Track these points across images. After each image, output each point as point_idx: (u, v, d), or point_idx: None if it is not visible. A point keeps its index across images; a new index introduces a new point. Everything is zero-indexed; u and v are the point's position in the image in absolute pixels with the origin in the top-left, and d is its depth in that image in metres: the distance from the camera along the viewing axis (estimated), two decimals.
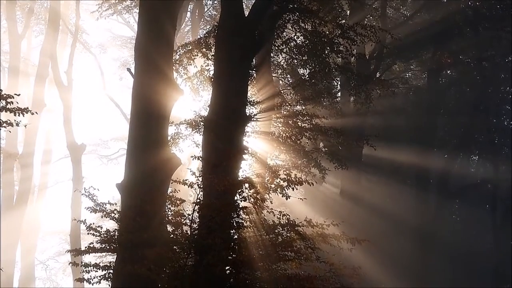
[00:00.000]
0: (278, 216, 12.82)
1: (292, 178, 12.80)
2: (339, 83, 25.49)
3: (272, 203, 12.99)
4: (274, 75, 18.66)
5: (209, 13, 32.69)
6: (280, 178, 13.17)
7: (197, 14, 32.13)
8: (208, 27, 32.00)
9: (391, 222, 26.44)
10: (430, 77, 29.45)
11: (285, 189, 12.88)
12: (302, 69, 17.96)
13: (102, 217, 13.02)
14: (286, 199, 12.87)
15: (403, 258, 26.46)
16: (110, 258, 26.98)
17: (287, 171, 13.58)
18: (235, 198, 12.78)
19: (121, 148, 41.69)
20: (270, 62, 18.06)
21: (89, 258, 25.68)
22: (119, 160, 41.85)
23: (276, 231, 12.93)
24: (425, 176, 28.34)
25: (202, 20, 32.58)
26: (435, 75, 28.97)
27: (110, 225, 20.37)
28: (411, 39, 25.80)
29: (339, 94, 26.05)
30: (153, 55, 13.31)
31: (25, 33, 33.91)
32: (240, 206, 12.69)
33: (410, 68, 32.41)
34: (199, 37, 17.31)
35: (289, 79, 19.79)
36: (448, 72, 31.35)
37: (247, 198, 12.57)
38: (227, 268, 12.36)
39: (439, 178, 29.01)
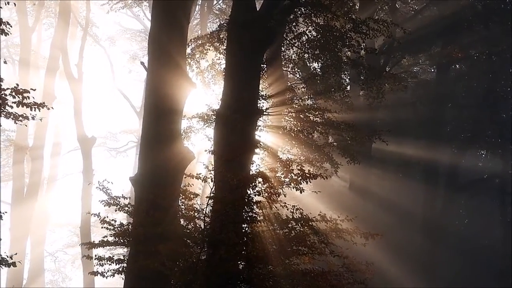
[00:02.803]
0: (292, 210, 12.84)
1: (306, 173, 12.82)
2: (348, 77, 25.42)
3: (285, 197, 12.97)
4: (285, 69, 18.61)
5: (218, 6, 32.59)
6: (293, 173, 13.18)
7: (206, 7, 32.09)
8: (216, 20, 31.99)
9: (400, 216, 26.50)
10: (439, 71, 29.39)
11: (300, 183, 12.86)
12: (313, 63, 17.90)
13: (116, 211, 13.08)
14: (300, 193, 12.85)
15: (412, 251, 26.50)
16: (120, 251, 27.19)
17: (300, 166, 13.56)
18: (248, 192, 12.79)
19: (130, 141, 41.85)
20: (281, 56, 18.02)
21: (99, 251, 25.83)
22: (128, 152, 41.98)
23: (290, 225, 12.95)
24: (433, 170, 28.34)
25: (210, 13, 32.53)
26: (444, 69, 28.90)
27: (119, 217, 20.43)
28: (420, 33, 25.72)
29: (347, 88, 25.97)
30: (167, 48, 13.29)
31: (35, 26, 33.92)
32: (254, 200, 12.70)
33: (418, 62, 32.31)
34: (211, 30, 17.29)
35: (300, 73, 19.71)
36: (457, 66, 31.26)
37: (261, 192, 12.57)
38: (240, 262, 12.39)
39: (448, 172, 29.03)
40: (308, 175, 12.83)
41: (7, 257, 10.37)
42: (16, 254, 11.57)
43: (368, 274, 13.52)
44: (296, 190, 12.88)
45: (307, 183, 12.92)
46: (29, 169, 32.62)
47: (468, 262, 27.14)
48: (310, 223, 12.72)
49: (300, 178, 12.76)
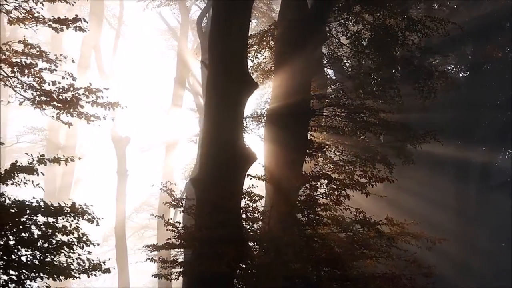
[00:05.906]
0: (355, 213, 12.55)
1: (373, 175, 12.56)
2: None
3: (349, 200, 12.64)
4: (334, 68, 18.37)
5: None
6: (357, 175, 12.91)
7: None
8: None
9: (432, 215, 26.24)
10: (471, 71, 29.13)
11: (366, 186, 12.55)
12: (364, 62, 17.58)
13: (181, 212, 12.85)
14: (366, 196, 12.56)
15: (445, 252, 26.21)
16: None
17: (363, 168, 13.31)
18: (313, 194, 12.52)
19: (157, 140, 41.57)
20: (331, 56, 17.78)
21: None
22: (153, 152, 41.75)
23: (354, 228, 12.66)
24: (466, 170, 28.16)
25: None
26: (476, 69, 28.63)
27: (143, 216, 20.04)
28: (453, 33, 25.38)
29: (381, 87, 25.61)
30: (228, 47, 12.96)
31: None
32: (318, 202, 12.44)
33: (447, 61, 31.98)
34: (265, 29, 17.04)
35: (349, 72, 19.36)
36: (488, 67, 30.92)
37: (327, 194, 12.30)
38: (309, 266, 12.10)
39: (480, 172, 28.82)
40: (373, 178, 12.59)
41: (100, 262, 10.11)
42: (109, 259, 11.23)
43: (430, 277, 13.19)
44: (362, 193, 12.57)
45: (372, 186, 12.63)
46: (60, 170, 32.25)
47: (500, 263, 26.91)
48: (376, 226, 12.44)
49: (366, 181, 12.50)
